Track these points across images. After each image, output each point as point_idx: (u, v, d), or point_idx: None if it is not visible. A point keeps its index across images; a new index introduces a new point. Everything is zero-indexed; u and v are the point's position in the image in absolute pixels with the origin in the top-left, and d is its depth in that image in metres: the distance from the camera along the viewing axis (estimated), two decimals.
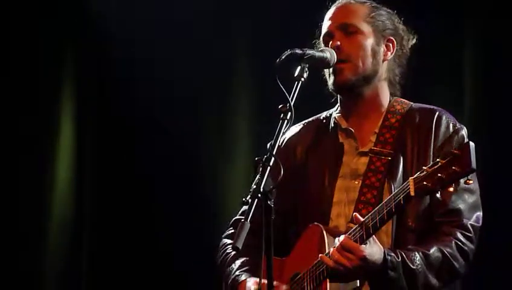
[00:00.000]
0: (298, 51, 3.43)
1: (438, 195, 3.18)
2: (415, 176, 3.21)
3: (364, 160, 3.64)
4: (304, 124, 3.88)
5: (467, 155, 3.08)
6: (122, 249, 5.89)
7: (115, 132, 6.00)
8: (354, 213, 3.42)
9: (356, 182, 3.62)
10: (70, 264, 5.90)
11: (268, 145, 3.28)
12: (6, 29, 5.85)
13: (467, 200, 3.54)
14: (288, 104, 3.30)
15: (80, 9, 5.99)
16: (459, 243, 3.49)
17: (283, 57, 3.36)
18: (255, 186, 3.12)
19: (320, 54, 3.56)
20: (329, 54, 3.58)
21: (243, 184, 5.50)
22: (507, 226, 4.95)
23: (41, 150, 5.93)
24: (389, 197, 3.31)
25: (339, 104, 3.80)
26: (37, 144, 5.90)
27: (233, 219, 3.89)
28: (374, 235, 3.34)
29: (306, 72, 3.41)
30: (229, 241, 3.78)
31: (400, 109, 3.71)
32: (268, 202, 3.10)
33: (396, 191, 3.30)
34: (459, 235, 3.50)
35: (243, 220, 3.07)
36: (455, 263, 3.48)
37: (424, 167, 3.20)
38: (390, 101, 3.75)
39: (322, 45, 3.73)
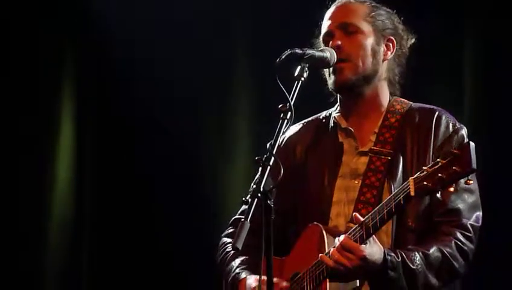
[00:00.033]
0: (298, 51, 3.43)
1: (439, 195, 3.18)
2: (415, 176, 3.21)
3: (364, 160, 3.64)
4: (303, 124, 3.88)
5: (467, 155, 3.08)
6: (122, 249, 5.90)
7: (115, 132, 6.00)
8: (354, 213, 3.42)
9: (356, 182, 3.62)
10: (70, 264, 5.90)
11: (268, 144, 3.28)
12: (6, 29, 5.85)
13: (467, 200, 3.54)
14: (288, 104, 3.30)
15: (80, 9, 6.00)
16: (459, 243, 3.49)
17: (283, 57, 3.36)
18: (254, 186, 3.13)
19: (320, 53, 3.56)
20: (329, 54, 3.58)
21: (243, 184, 5.49)
22: (507, 226, 4.95)
23: (41, 150, 5.93)
24: (389, 197, 3.31)
25: (338, 103, 3.80)
26: (37, 144, 5.90)
27: (233, 218, 3.89)
28: (373, 235, 3.34)
29: (306, 71, 3.41)
30: (228, 240, 3.79)
31: (400, 109, 3.71)
32: (268, 201, 3.10)
33: (396, 191, 3.30)
34: (458, 235, 3.50)
35: (242, 219, 3.07)
36: (455, 263, 3.48)
37: (424, 167, 3.19)
38: (390, 100, 3.75)
39: (322, 44, 3.73)
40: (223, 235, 3.88)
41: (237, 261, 3.67)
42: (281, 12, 5.59)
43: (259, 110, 5.67)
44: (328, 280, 3.40)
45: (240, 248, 3.04)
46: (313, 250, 3.47)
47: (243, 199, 3.13)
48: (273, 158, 3.19)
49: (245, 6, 5.76)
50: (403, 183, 3.38)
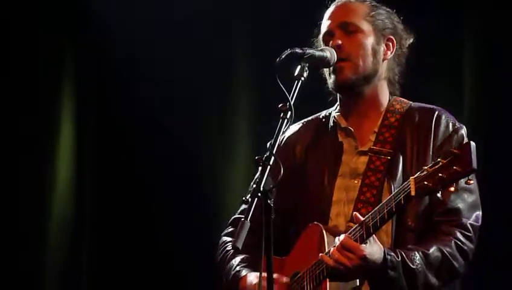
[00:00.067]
0: (298, 50, 3.43)
1: (439, 195, 3.18)
2: (416, 175, 3.21)
3: (364, 159, 3.64)
4: (303, 123, 3.88)
5: (468, 155, 3.08)
6: (122, 249, 5.89)
7: (115, 132, 6.00)
8: (354, 212, 3.42)
9: (355, 181, 3.62)
10: (70, 264, 5.90)
11: (268, 144, 3.28)
12: (6, 29, 5.85)
13: (466, 200, 3.54)
14: (288, 103, 3.30)
15: (80, 9, 6.00)
16: (459, 243, 3.49)
17: (283, 56, 3.36)
18: (254, 186, 3.13)
19: (320, 53, 3.55)
20: (329, 53, 3.58)
21: (243, 184, 5.49)
22: (507, 226, 4.94)
23: (41, 150, 5.93)
24: (390, 196, 3.31)
25: (338, 103, 3.80)
26: (37, 144, 5.89)
27: (233, 217, 3.89)
28: (374, 235, 3.34)
29: (306, 71, 3.41)
30: (228, 239, 3.79)
31: (400, 108, 3.71)
32: (268, 201, 3.10)
33: (396, 190, 3.30)
34: (458, 234, 3.50)
35: (242, 219, 3.07)
36: (455, 263, 3.48)
37: (424, 167, 3.19)
38: (389, 100, 3.75)
39: (322, 43, 3.73)
40: (222, 234, 3.88)
41: (237, 259, 3.67)
42: (281, 12, 5.59)
43: (259, 110, 5.67)
44: (328, 279, 3.40)
45: (240, 248, 3.04)
46: (313, 249, 3.47)
47: (243, 198, 3.13)
48: (273, 158, 3.19)
49: (245, 6, 5.76)
50: (402, 183, 3.38)
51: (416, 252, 3.42)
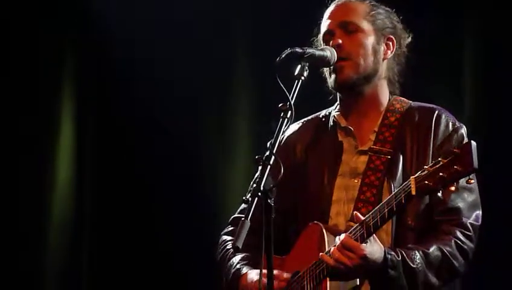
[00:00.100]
0: (298, 50, 3.43)
1: (439, 194, 3.18)
2: (416, 175, 3.21)
3: (364, 159, 3.64)
4: (303, 122, 3.88)
5: (468, 155, 3.08)
6: (122, 249, 5.89)
7: (115, 132, 6.00)
8: (355, 212, 3.42)
9: (355, 181, 3.62)
10: (70, 264, 5.90)
11: (268, 144, 3.28)
12: (6, 29, 5.85)
13: (466, 199, 3.55)
14: (288, 103, 3.30)
15: (80, 9, 6.00)
16: (459, 242, 3.49)
17: (283, 56, 3.36)
18: (255, 185, 3.13)
19: (321, 52, 3.56)
20: (330, 53, 3.58)
21: (243, 184, 5.48)
22: (507, 226, 4.94)
23: (41, 150, 5.93)
24: (390, 196, 3.31)
25: (338, 102, 3.80)
26: (37, 144, 5.89)
27: (232, 216, 3.89)
28: (374, 234, 3.34)
29: (306, 70, 3.41)
30: (228, 238, 3.79)
31: (400, 108, 3.72)
32: (268, 200, 3.10)
33: (397, 190, 3.30)
34: (458, 234, 3.50)
35: (243, 218, 3.07)
36: (455, 262, 3.48)
37: (425, 166, 3.20)
38: (389, 99, 3.75)
39: (321, 43, 3.73)
40: (222, 233, 3.88)
41: (237, 257, 3.68)
42: (281, 12, 5.59)
43: (259, 110, 5.67)
44: (328, 278, 3.40)
45: (240, 247, 3.04)
46: (313, 249, 3.47)
47: (243, 198, 3.13)
48: (273, 157, 3.19)
49: (245, 6, 5.76)
50: (402, 182, 3.39)
51: (416, 252, 3.42)
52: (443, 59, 5.26)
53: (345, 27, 3.67)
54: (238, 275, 3.61)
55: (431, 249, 3.44)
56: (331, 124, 3.77)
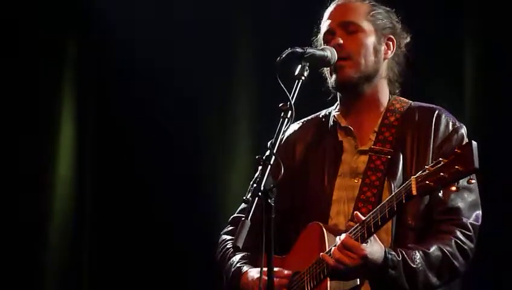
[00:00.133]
0: (298, 50, 3.43)
1: (440, 194, 3.18)
2: (417, 175, 3.21)
3: (364, 158, 3.64)
4: (303, 122, 3.88)
5: (469, 154, 3.08)
6: (122, 249, 5.89)
7: (115, 131, 6.00)
8: (355, 212, 3.42)
9: (356, 181, 3.63)
10: (70, 264, 5.90)
11: (268, 143, 3.28)
12: (6, 29, 5.85)
13: (466, 199, 3.55)
14: (288, 103, 3.30)
15: (80, 9, 6.00)
16: (459, 242, 3.50)
17: (283, 56, 3.36)
18: (255, 185, 3.13)
19: (321, 52, 3.56)
20: (330, 53, 3.58)
21: (243, 184, 5.48)
22: (507, 226, 4.94)
23: (42, 150, 5.92)
24: (391, 195, 3.32)
25: (338, 102, 3.80)
26: (37, 143, 5.89)
27: (232, 216, 3.89)
28: (374, 234, 3.34)
29: (306, 70, 3.41)
30: (228, 237, 3.79)
31: (400, 108, 3.72)
32: (268, 200, 3.10)
33: (398, 190, 3.30)
34: (458, 234, 3.51)
35: (243, 218, 3.08)
36: (455, 262, 3.48)
37: (426, 166, 3.20)
38: (389, 99, 3.75)
39: (321, 43, 3.73)
40: (222, 233, 3.88)
41: (238, 256, 3.68)
42: (281, 12, 5.59)
43: (259, 110, 5.67)
44: (328, 278, 3.40)
45: (241, 247, 3.04)
46: (314, 249, 3.47)
47: (244, 197, 3.13)
48: (273, 157, 3.19)
49: (245, 6, 5.76)
50: (402, 182, 3.39)
51: (416, 251, 3.42)
52: (443, 59, 5.26)
53: (346, 27, 3.67)
54: (239, 273, 3.61)
55: (431, 249, 3.44)
56: (331, 123, 3.78)
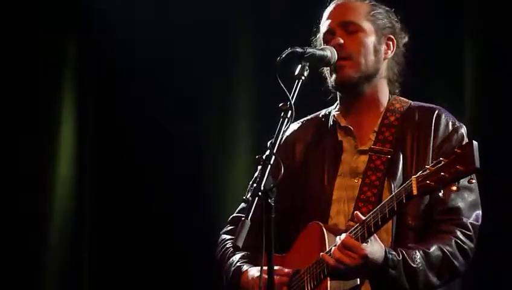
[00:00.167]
0: (298, 49, 3.43)
1: (441, 194, 3.19)
2: (418, 174, 3.21)
3: (364, 158, 3.64)
4: (302, 122, 3.88)
5: (470, 154, 3.09)
6: (122, 249, 5.89)
7: (115, 131, 6.00)
8: (355, 211, 3.42)
9: (356, 181, 3.63)
10: (70, 264, 5.90)
11: (268, 143, 3.27)
12: (6, 29, 5.85)
13: (466, 199, 3.55)
14: (288, 103, 3.30)
15: (80, 9, 6.00)
16: (459, 242, 3.50)
17: (283, 55, 3.36)
18: (255, 185, 3.13)
19: (321, 52, 3.56)
20: (330, 52, 3.58)
21: (243, 184, 5.47)
22: (507, 226, 4.94)
23: (42, 150, 5.92)
24: (391, 195, 3.32)
25: (338, 101, 3.80)
26: (37, 143, 5.89)
27: (232, 216, 3.90)
28: (374, 234, 3.34)
29: (306, 70, 3.41)
30: (228, 237, 3.80)
31: (399, 108, 3.72)
32: (268, 200, 3.10)
33: (398, 189, 3.30)
34: (458, 233, 3.51)
35: (243, 218, 3.07)
36: (455, 262, 3.48)
37: (426, 166, 3.20)
38: (389, 99, 3.75)
39: (321, 42, 3.73)
40: (221, 232, 3.88)
41: (237, 256, 3.68)
42: (281, 12, 5.59)
43: (259, 109, 5.67)
44: (329, 278, 3.40)
45: (241, 246, 3.04)
46: (313, 248, 3.47)
47: (244, 197, 3.13)
48: (273, 157, 3.19)
49: (245, 6, 5.76)
50: (402, 182, 3.40)
51: (417, 251, 3.42)
52: (443, 59, 5.26)
53: (346, 27, 3.67)
54: (239, 272, 3.61)
55: (431, 249, 3.44)
56: (331, 123, 3.78)
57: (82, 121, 6.02)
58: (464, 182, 3.15)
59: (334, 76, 3.67)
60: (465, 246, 3.50)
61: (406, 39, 3.79)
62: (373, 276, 3.39)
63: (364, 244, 3.31)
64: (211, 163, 5.84)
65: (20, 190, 5.83)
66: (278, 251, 3.43)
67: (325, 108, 3.87)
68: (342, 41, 3.63)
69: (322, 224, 3.53)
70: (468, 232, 3.52)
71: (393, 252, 3.37)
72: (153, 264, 5.85)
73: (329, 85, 3.72)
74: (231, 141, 5.83)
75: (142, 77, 5.92)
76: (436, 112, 3.67)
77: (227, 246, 3.75)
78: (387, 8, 3.78)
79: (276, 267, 3.24)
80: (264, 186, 3.11)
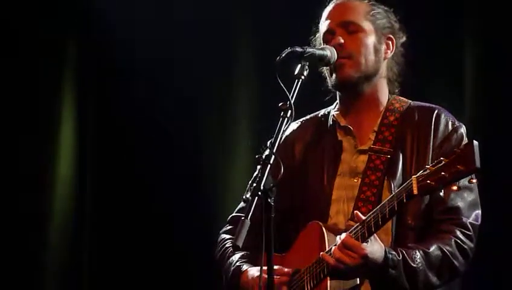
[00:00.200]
0: (298, 49, 3.43)
1: (441, 193, 3.19)
2: (418, 174, 3.21)
3: (363, 158, 3.65)
4: (302, 122, 3.88)
5: (471, 154, 3.09)
6: (122, 249, 5.89)
7: (115, 131, 6.00)
8: (355, 211, 3.42)
9: (355, 180, 3.63)
10: (70, 264, 5.90)
11: (268, 143, 3.27)
12: (6, 29, 5.85)
13: (466, 199, 3.55)
14: (288, 102, 3.30)
15: (80, 9, 6.00)
16: (459, 242, 3.50)
17: (283, 55, 3.36)
18: (255, 184, 3.13)
19: (321, 52, 3.56)
20: (330, 52, 3.58)
21: (243, 184, 5.46)
22: (507, 226, 4.94)
23: (42, 150, 5.92)
24: (391, 195, 3.32)
25: (337, 101, 3.80)
26: (37, 143, 5.89)
27: (231, 215, 3.90)
28: (375, 234, 3.34)
29: (306, 70, 3.41)
30: (227, 236, 3.80)
31: (399, 107, 3.72)
32: (268, 200, 3.10)
33: (399, 189, 3.30)
34: (458, 233, 3.51)
35: (243, 218, 3.07)
36: (455, 262, 3.49)
37: (427, 166, 3.21)
38: (389, 99, 3.76)
39: (321, 42, 3.73)
40: (221, 232, 3.89)
41: (237, 255, 3.68)
42: (281, 12, 5.59)
43: (259, 109, 5.67)
44: (328, 278, 3.40)
45: (240, 246, 3.04)
46: (313, 248, 3.47)
47: (243, 197, 3.13)
48: (273, 157, 3.19)
49: (245, 6, 5.76)
50: (402, 182, 3.40)
51: (416, 251, 3.42)
52: (443, 59, 5.26)
53: (346, 27, 3.67)
54: (238, 272, 3.61)
55: (431, 249, 3.44)
56: (331, 123, 3.78)
57: (82, 121, 6.02)
58: (464, 181, 3.15)
59: (334, 75, 3.67)
60: (465, 246, 3.51)
61: (404, 39, 3.80)
62: (373, 276, 3.39)
63: (364, 244, 3.31)
64: (211, 163, 5.84)
65: (20, 190, 5.83)
66: (277, 250, 3.43)
67: (324, 108, 3.87)
68: (342, 41, 3.64)
69: (321, 223, 3.53)
70: (468, 232, 3.52)
71: (393, 252, 3.37)
72: (153, 264, 5.85)
73: (329, 85, 3.73)
74: (231, 141, 5.83)
75: (142, 77, 5.92)
76: (436, 111, 3.67)
77: (227, 245, 3.75)
78: (386, 8, 3.78)
79: (276, 267, 3.24)
80: (263, 185, 3.11)
